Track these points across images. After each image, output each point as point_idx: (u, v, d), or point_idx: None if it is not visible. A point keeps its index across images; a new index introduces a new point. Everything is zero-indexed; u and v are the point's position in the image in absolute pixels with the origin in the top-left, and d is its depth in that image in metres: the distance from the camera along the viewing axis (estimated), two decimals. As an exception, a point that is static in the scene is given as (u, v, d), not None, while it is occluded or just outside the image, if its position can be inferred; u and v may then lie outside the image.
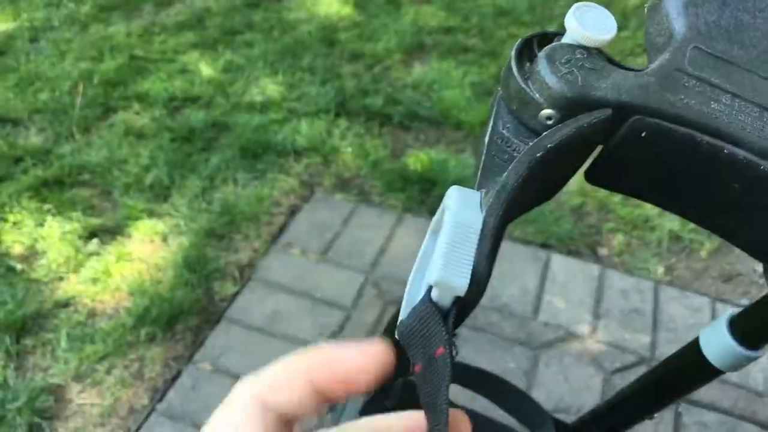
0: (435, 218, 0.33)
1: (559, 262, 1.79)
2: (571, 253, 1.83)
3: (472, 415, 0.75)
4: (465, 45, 2.68)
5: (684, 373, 0.50)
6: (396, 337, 0.33)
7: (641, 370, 1.53)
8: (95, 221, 1.83)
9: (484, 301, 1.67)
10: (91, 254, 1.74)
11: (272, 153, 2.10)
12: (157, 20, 2.77)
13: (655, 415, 0.56)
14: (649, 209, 1.95)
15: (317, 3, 2.92)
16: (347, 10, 2.88)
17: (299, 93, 2.36)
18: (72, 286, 1.67)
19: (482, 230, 0.29)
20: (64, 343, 1.54)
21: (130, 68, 2.44)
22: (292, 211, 1.92)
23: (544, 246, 1.84)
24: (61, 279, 1.69)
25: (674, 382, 0.52)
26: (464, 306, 0.28)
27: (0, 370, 1.48)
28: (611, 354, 1.56)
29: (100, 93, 2.31)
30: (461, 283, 0.27)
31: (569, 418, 0.87)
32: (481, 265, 0.28)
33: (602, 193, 1.99)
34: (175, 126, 2.17)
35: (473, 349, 1.57)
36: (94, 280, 1.68)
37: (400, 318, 0.35)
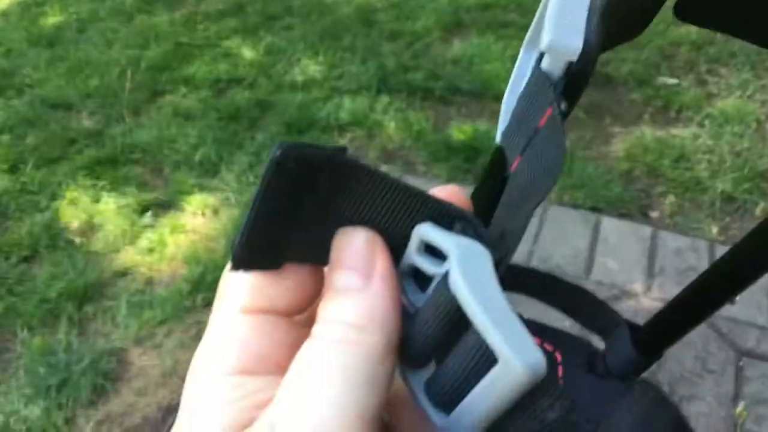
0: (530, 30, 0.33)
1: (610, 224, 1.77)
2: (621, 215, 1.81)
3: (542, 329, 0.75)
4: (504, 20, 2.66)
5: (762, 248, 0.50)
6: (497, 143, 0.33)
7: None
8: (148, 196, 1.87)
9: (536, 262, 1.66)
10: (145, 227, 1.79)
11: (316, 129, 2.13)
12: (200, 9, 2.83)
13: (737, 298, 0.55)
14: (700, 171, 1.92)
15: (354, -13, 2.95)
16: (384, -8, 2.89)
17: (340, 71, 2.38)
18: (129, 256, 1.71)
19: (590, 7, 0.28)
20: (123, 310, 1.58)
21: (175, 54, 2.49)
22: (339, 183, 1.94)
23: (594, 209, 1.82)
24: (118, 250, 1.73)
25: (752, 260, 0.51)
26: (575, 77, 0.28)
27: (64, 335, 1.53)
28: (667, 311, 1.54)
29: (147, 78, 2.36)
30: (574, 46, 0.27)
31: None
32: (592, 34, 0.27)
33: (650, 157, 1.96)
34: (221, 106, 2.21)
35: (528, 309, 1.56)
36: (150, 251, 1.72)
37: (498, 135, 0.35)
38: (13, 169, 1.98)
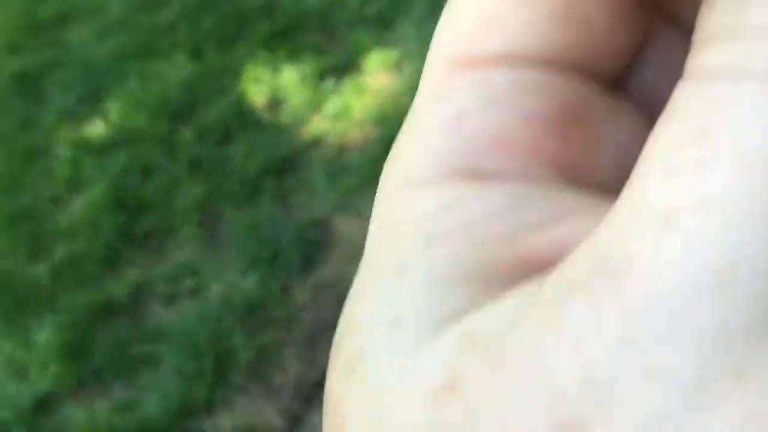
0: None
1: None
2: None
3: None
4: None
5: None
6: None
7: None
8: (327, 61, 1.78)
9: None
10: (329, 93, 1.70)
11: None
12: None
13: None
14: None
15: None
16: None
17: None
18: (317, 125, 1.65)
19: None
20: (320, 179, 1.53)
21: None
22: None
23: None
24: (306, 121, 1.67)
25: None
26: None
27: (268, 210, 1.51)
28: None
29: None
30: None
31: None
32: None
33: None
34: (388, -45, 2.02)
35: None
36: (337, 117, 1.63)
37: None
38: (195, 55, 1.98)
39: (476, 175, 0.10)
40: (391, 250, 0.10)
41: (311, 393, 1.17)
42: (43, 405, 1.24)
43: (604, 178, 0.10)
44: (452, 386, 0.08)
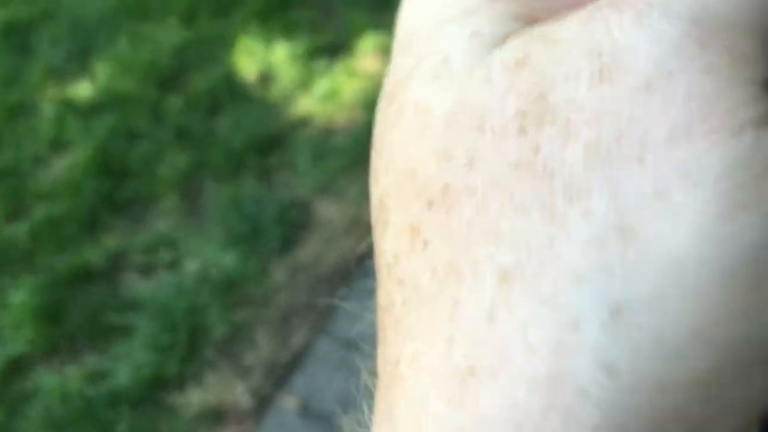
0: None
1: None
2: None
3: None
4: None
5: None
6: None
7: None
8: (321, 39, 1.77)
9: None
10: (319, 73, 1.69)
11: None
12: None
13: None
14: None
15: None
16: None
17: None
18: (306, 105, 1.64)
19: None
20: (305, 160, 1.53)
21: None
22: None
23: None
24: (295, 99, 1.67)
25: None
26: None
27: (251, 186, 1.52)
28: None
29: None
30: None
31: None
32: None
33: None
34: (390, -66, 2.00)
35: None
36: (326, 98, 1.63)
37: None
38: (188, 20, 1.95)
39: None
40: (453, 5, 0.14)
41: (282, 374, 1.20)
42: (15, 368, 1.26)
43: None
44: (524, 60, 0.12)
